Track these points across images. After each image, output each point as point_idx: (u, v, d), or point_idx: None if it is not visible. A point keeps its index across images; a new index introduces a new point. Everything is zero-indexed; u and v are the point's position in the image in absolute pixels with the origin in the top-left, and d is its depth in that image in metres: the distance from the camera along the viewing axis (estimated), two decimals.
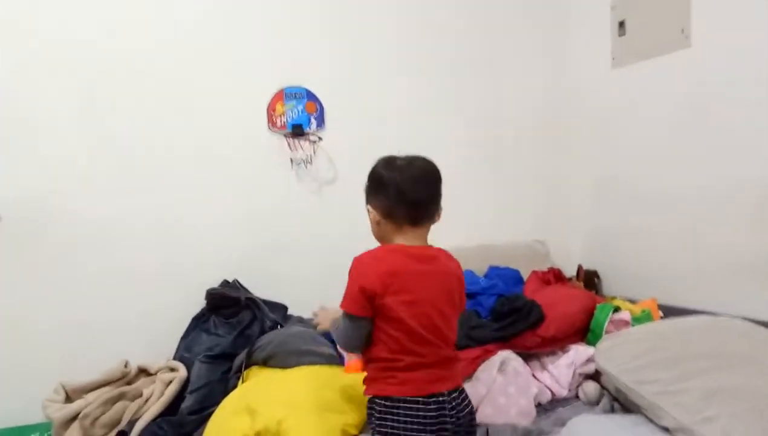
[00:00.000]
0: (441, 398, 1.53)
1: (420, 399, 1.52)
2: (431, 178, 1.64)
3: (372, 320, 1.55)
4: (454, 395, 1.57)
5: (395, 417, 1.52)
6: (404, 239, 1.61)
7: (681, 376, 1.87)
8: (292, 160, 2.87)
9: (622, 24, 3.13)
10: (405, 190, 1.58)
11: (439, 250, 1.68)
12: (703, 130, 2.71)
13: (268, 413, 1.78)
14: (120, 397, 2.18)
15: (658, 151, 2.96)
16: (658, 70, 2.92)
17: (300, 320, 2.67)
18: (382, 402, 1.54)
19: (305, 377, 2.03)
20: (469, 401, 1.64)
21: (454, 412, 1.55)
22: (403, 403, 1.51)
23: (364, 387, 1.62)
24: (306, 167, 2.89)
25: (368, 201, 1.67)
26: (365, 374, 1.63)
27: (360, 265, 1.57)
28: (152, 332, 2.57)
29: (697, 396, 1.79)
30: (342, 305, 1.58)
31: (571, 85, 3.47)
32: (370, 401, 1.59)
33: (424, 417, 1.51)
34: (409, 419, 1.51)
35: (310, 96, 2.91)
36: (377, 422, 1.54)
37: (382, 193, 1.62)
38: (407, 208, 1.59)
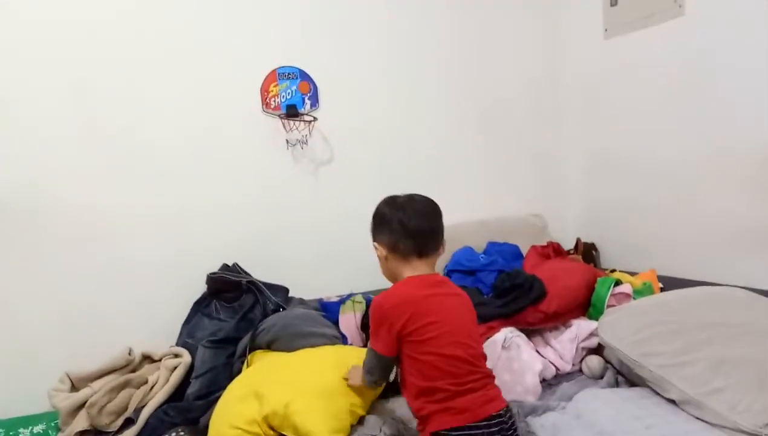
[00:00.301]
0: (501, 419, 1.54)
1: (482, 423, 1.51)
2: (431, 210, 1.71)
3: (392, 359, 1.63)
4: (509, 414, 1.58)
5: None
6: (412, 271, 1.67)
7: (686, 348, 1.89)
8: (287, 142, 2.84)
9: None
10: (407, 223, 1.65)
11: (445, 278, 1.80)
12: (699, 99, 2.71)
13: (275, 396, 1.78)
14: (125, 384, 2.18)
15: (652, 121, 2.95)
16: (651, 40, 2.90)
17: (301, 302, 2.67)
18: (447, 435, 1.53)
19: (311, 360, 2.03)
20: (515, 417, 1.65)
21: (511, 432, 1.56)
22: (467, 431, 1.51)
23: (417, 426, 1.61)
24: (302, 148, 2.87)
25: (374, 239, 1.74)
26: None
27: (381, 308, 1.62)
28: (153, 319, 2.56)
29: (702, 367, 1.81)
30: (372, 345, 1.66)
31: (564, 57, 3.44)
32: None
33: None
34: None
35: (303, 75, 2.87)
36: None
37: (386, 228, 1.69)
38: (412, 239, 1.65)
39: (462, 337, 1.59)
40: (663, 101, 2.89)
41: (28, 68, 2.36)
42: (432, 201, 1.74)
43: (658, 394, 1.89)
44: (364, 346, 2.38)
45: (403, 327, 1.56)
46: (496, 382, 1.97)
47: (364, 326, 2.46)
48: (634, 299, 2.42)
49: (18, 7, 2.34)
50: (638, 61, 2.98)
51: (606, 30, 3.14)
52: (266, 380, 1.88)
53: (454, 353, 1.55)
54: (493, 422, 1.52)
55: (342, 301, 2.62)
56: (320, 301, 2.72)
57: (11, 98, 2.34)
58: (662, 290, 2.62)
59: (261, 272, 2.69)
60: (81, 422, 2.07)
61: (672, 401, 1.83)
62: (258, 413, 1.78)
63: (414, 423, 1.77)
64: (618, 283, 2.50)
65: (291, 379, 1.87)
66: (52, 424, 2.22)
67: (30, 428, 2.21)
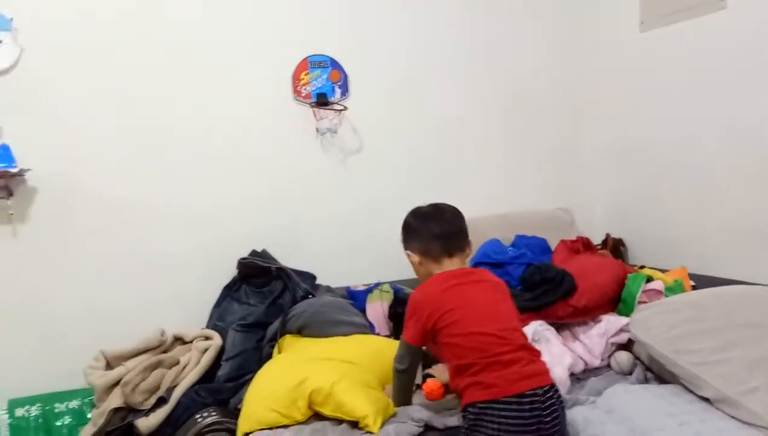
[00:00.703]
0: (535, 398, 1.54)
1: (512, 399, 1.53)
2: (453, 214, 1.87)
3: (419, 350, 1.80)
4: (549, 394, 1.58)
5: (487, 423, 1.54)
6: (442, 269, 1.81)
7: (721, 346, 1.87)
8: (317, 130, 2.85)
9: None
10: (434, 228, 1.82)
11: (483, 270, 1.95)
12: (737, 95, 2.66)
13: (321, 376, 1.82)
14: (158, 364, 2.22)
15: (686, 115, 2.90)
16: (689, 33, 2.85)
17: (328, 290, 2.68)
18: (472, 409, 1.58)
19: (347, 348, 2.07)
20: (562, 399, 1.66)
21: (547, 412, 1.54)
22: (495, 405, 1.54)
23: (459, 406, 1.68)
24: (332, 137, 2.87)
25: (406, 247, 1.89)
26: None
27: (417, 303, 1.75)
28: (184, 302, 2.61)
29: (738, 366, 1.79)
30: (404, 336, 1.78)
31: (598, 49, 3.40)
32: (463, 410, 1.63)
33: (518, 417, 1.52)
34: (503, 420, 1.52)
35: (334, 64, 2.88)
36: (470, 431, 1.59)
37: (415, 236, 1.86)
38: (439, 241, 1.80)
39: (487, 315, 1.67)
40: (698, 95, 2.84)
41: (65, 63, 2.41)
42: (453, 207, 1.89)
43: (690, 392, 1.87)
44: (392, 335, 2.40)
45: (428, 320, 1.69)
46: None
47: (392, 315, 2.47)
48: (666, 296, 2.40)
49: (59, 3, 2.38)
50: (674, 54, 2.94)
51: (642, 23, 3.09)
52: (309, 366, 1.91)
53: (479, 330, 1.63)
54: (524, 399, 1.53)
55: (369, 290, 2.63)
56: (347, 289, 2.73)
57: (47, 91, 2.39)
58: (694, 288, 2.58)
59: (288, 259, 2.72)
60: (115, 399, 2.11)
61: (705, 399, 1.81)
62: (300, 393, 1.81)
63: (442, 414, 1.85)
64: (649, 279, 2.48)
65: (332, 364, 1.90)
66: (87, 400, 2.28)
67: (65, 403, 2.27)
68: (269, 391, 1.86)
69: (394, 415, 1.84)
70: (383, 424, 1.76)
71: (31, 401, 2.25)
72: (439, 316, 1.67)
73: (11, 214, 2.31)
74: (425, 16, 3.06)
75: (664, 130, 3.05)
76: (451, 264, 1.80)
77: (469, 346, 1.62)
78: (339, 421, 1.80)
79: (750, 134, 2.61)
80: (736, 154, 2.68)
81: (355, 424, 1.77)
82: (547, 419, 1.54)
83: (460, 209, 1.90)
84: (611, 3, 3.28)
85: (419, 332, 1.72)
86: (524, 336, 1.73)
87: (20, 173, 2.27)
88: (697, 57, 2.82)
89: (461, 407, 1.64)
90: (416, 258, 1.84)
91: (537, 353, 1.68)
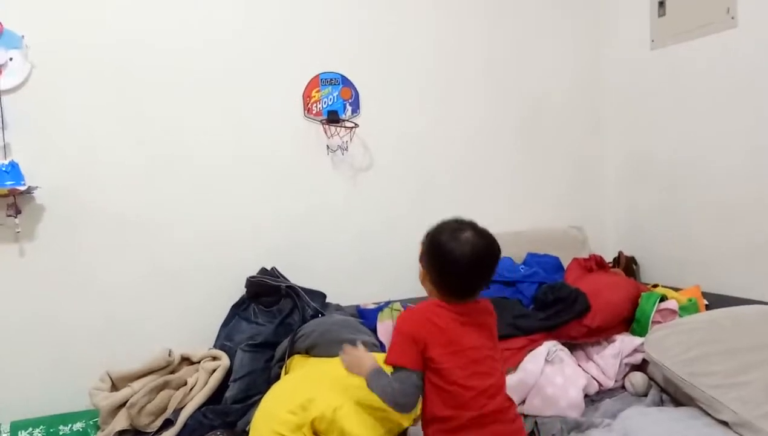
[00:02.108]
0: None
1: None
2: (491, 258, 1.58)
3: (423, 375, 1.52)
4: None
5: None
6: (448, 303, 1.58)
7: (739, 368, 1.83)
8: (328, 147, 2.84)
9: (662, 4, 3.04)
10: (462, 268, 1.53)
11: (485, 302, 1.67)
12: (749, 112, 2.63)
13: (324, 401, 1.78)
14: (165, 385, 2.19)
15: (698, 133, 2.88)
16: (700, 51, 2.83)
17: (338, 308, 2.65)
18: None
19: None
20: None
21: None
22: None
23: None
24: (342, 154, 2.86)
25: (421, 260, 1.62)
26: None
27: (408, 320, 1.57)
28: (191, 321, 2.57)
29: (757, 389, 1.75)
30: (391, 360, 1.53)
31: (609, 67, 3.39)
32: None
33: None
34: None
35: (345, 81, 2.87)
36: None
37: (436, 262, 1.57)
38: (458, 285, 1.56)
39: (482, 369, 1.51)
40: (709, 113, 2.82)
41: (75, 81, 2.40)
42: (493, 246, 1.58)
43: (708, 414, 1.83)
44: None
45: (424, 349, 1.49)
46: (538, 395, 1.93)
47: None
48: (680, 315, 2.37)
49: (69, 17, 2.39)
50: (685, 72, 2.92)
51: (653, 41, 3.08)
52: (313, 386, 1.87)
53: (472, 385, 1.48)
54: None
55: (380, 308, 2.60)
56: (357, 308, 2.70)
57: (57, 108, 2.38)
58: (707, 307, 2.54)
59: (298, 278, 2.69)
60: (121, 422, 2.08)
61: (723, 423, 1.77)
62: (304, 419, 1.77)
63: None
64: (663, 298, 2.44)
65: (338, 386, 1.85)
66: (91, 422, 2.24)
67: (69, 425, 2.24)
68: (274, 414, 1.82)
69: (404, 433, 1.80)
70: None
71: (34, 423, 2.21)
72: (442, 353, 1.49)
73: (18, 232, 2.30)
74: (438, 32, 3.05)
75: (676, 148, 3.02)
76: (458, 302, 1.58)
77: (460, 402, 1.47)
78: None
79: (765, 152, 2.58)
80: (750, 172, 2.65)
81: None
82: None
83: None
84: (623, 22, 3.28)
85: (417, 355, 1.50)
86: (504, 387, 1.58)
87: (28, 191, 2.26)
88: (710, 75, 2.80)
89: None
90: (425, 278, 1.62)
91: (514, 410, 1.57)
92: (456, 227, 1.57)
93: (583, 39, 3.40)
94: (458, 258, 1.52)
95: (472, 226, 1.58)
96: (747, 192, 2.67)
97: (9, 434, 2.16)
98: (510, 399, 1.57)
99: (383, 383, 1.53)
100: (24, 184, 2.23)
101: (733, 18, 2.67)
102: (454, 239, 1.54)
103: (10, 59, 2.28)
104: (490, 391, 1.50)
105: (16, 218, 2.27)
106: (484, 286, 1.59)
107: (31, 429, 2.19)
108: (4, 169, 2.21)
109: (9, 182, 2.20)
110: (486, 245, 1.56)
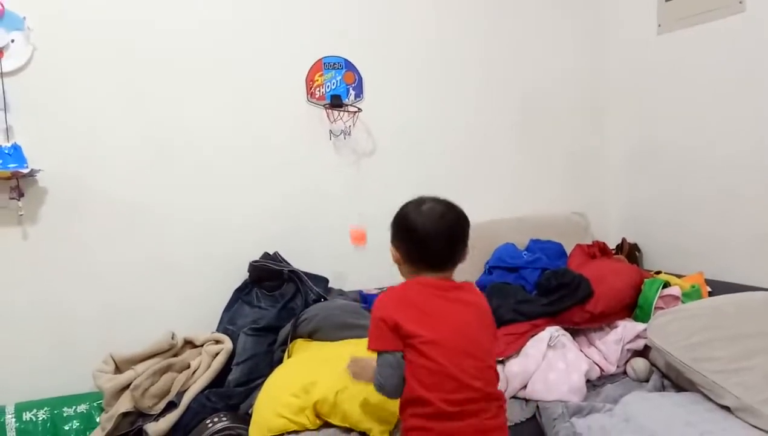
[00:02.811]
0: None
1: None
2: (455, 220, 1.58)
3: (401, 355, 1.47)
4: None
5: None
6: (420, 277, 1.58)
7: (742, 354, 1.83)
8: (331, 132, 2.82)
9: None
10: (424, 231, 1.55)
11: (465, 283, 1.64)
12: (756, 99, 2.62)
13: (326, 384, 1.79)
14: (168, 368, 2.20)
15: (704, 119, 2.86)
16: (708, 36, 2.81)
17: (341, 293, 2.66)
18: None
19: (358, 353, 2.01)
20: None
21: None
22: None
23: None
24: (345, 139, 2.85)
25: (391, 242, 1.63)
26: None
27: (379, 302, 1.54)
28: (194, 305, 2.58)
29: (759, 375, 1.76)
30: (369, 347, 1.51)
31: (614, 52, 3.36)
32: None
33: None
34: None
35: (349, 66, 2.85)
36: None
37: (403, 235, 1.59)
38: (426, 254, 1.56)
39: (464, 347, 1.47)
40: (716, 99, 2.80)
41: (78, 63, 2.39)
42: (458, 212, 1.60)
43: (709, 400, 1.84)
44: None
45: (401, 327, 1.46)
46: (540, 380, 1.92)
47: None
48: (683, 302, 2.36)
49: (70, 4, 2.37)
50: (692, 57, 2.90)
51: (659, 25, 3.06)
52: (316, 370, 1.88)
53: (450, 366, 1.43)
54: None
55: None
56: (360, 292, 2.71)
57: (60, 91, 2.37)
58: (711, 294, 2.54)
59: (301, 262, 2.69)
60: (125, 404, 2.09)
61: (725, 408, 1.77)
62: (307, 402, 1.78)
63: None
64: (666, 285, 2.44)
65: (340, 370, 1.85)
66: (95, 404, 2.25)
67: (74, 407, 2.25)
68: (277, 397, 1.83)
69: None
70: (394, 430, 1.73)
71: (38, 405, 2.22)
72: (416, 328, 1.45)
73: (21, 215, 2.30)
74: (441, 17, 3.03)
75: (680, 135, 3.01)
76: (430, 275, 1.56)
77: (437, 383, 1.42)
78: (349, 429, 1.77)
79: None
80: (754, 158, 2.64)
81: (365, 433, 1.74)
82: None
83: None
84: (629, 6, 3.25)
85: (392, 334, 1.46)
86: (497, 377, 1.54)
87: (31, 174, 2.26)
88: (716, 60, 2.78)
89: None
90: (397, 257, 1.60)
91: (503, 403, 1.53)
92: (418, 201, 1.61)
93: (588, 23, 3.38)
94: (423, 223, 1.55)
95: (434, 199, 1.61)
96: (751, 179, 2.67)
97: (13, 415, 2.17)
98: (496, 390, 1.52)
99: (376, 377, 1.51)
100: (27, 167, 2.22)
101: (741, 2, 2.65)
102: (417, 210, 1.58)
103: (12, 41, 2.26)
104: (469, 371, 1.44)
105: (19, 201, 2.27)
106: (456, 254, 1.58)
107: (35, 411, 2.20)
108: (6, 151, 2.21)
109: (12, 165, 2.20)
110: (448, 209, 1.59)
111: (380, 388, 1.49)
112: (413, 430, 1.45)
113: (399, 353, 1.47)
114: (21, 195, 2.28)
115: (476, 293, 1.65)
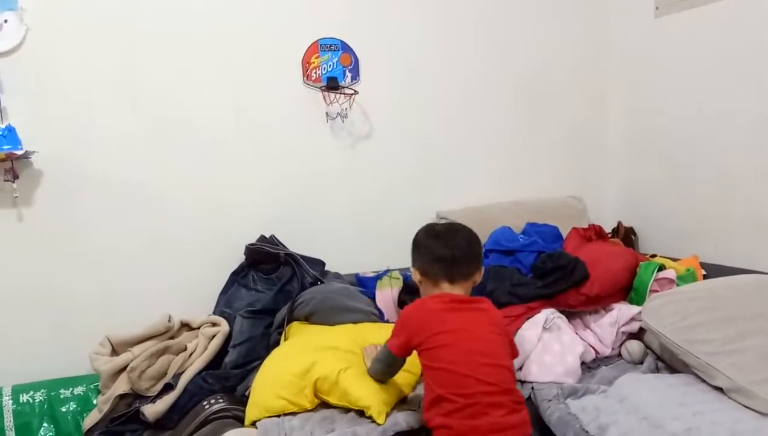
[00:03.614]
0: None
1: None
2: (466, 238, 1.80)
3: (393, 357, 1.73)
4: None
5: None
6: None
7: (735, 336, 1.84)
8: (327, 115, 2.81)
9: None
10: (438, 249, 1.76)
11: (480, 297, 1.84)
12: (755, 82, 2.61)
13: (328, 363, 1.81)
14: (165, 350, 2.21)
15: (700, 102, 2.86)
16: (707, 18, 2.79)
17: (337, 276, 2.66)
18: None
19: (357, 335, 2.05)
20: None
21: None
22: None
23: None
24: (342, 122, 2.84)
25: (412, 264, 1.85)
26: None
27: (405, 313, 1.75)
28: (190, 288, 2.58)
29: (752, 356, 1.77)
30: (387, 341, 1.74)
31: (611, 36, 3.34)
32: None
33: None
34: None
35: (345, 48, 2.83)
36: None
37: (418, 254, 1.82)
38: (441, 265, 1.75)
39: (479, 347, 1.62)
40: (714, 82, 2.79)
41: (72, 43, 2.37)
42: (469, 231, 1.84)
43: (703, 381, 1.85)
44: None
45: (414, 336, 1.65)
46: (536, 362, 1.95)
47: (401, 302, 2.44)
48: (678, 285, 2.37)
49: None
50: (691, 40, 2.88)
51: (657, 8, 3.04)
52: (315, 352, 1.89)
53: (466, 364, 1.57)
54: None
55: (378, 277, 2.60)
56: (356, 276, 2.71)
57: (53, 71, 2.35)
58: (705, 277, 2.55)
59: (297, 245, 2.68)
60: (122, 386, 2.10)
61: (718, 389, 1.79)
62: (307, 380, 1.80)
63: None
64: (661, 268, 2.45)
65: (340, 352, 1.88)
66: (92, 386, 2.27)
67: (71, 389, 2.26)
68: (276, 378, 1.84)
69: (404, 402, 1.82)
70: (391, 411, 1.74)
71: (35, 386, 2.24)
72: (428, 336, 1.62)
73: (16, 196, 2.29)
74: (439, 1, 3.01)
75: (677, 119, 3.00)
76: (450, 290, 1.74)
77: (450, 380, 1.56)
78: (347, 409, 1.78)
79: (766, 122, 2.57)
80: (751, 142, 2.64)
81: (362, 412, 1.75)
82: None
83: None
84: None
85: (403, 344, 1.68)
86: (513, 377, 1.66)
87: (26, 155, 2.24)
88: (714, 42, 2.76)
89: None
90: (417, 276, 1.81)
91: (521, 400, 1.63)
92: (431, 225, 1.91)
93: (585, 6, 3.35)
94: (433, 239, 1.80)
95: (445, 222, 1.85)
96: (747, 163, 2.67)
97: (11, 397, 2.18)
98: (511, 387, 1.62)
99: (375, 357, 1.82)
100: (21, 149, 2.21)
101: None
102: (430, 228, 1.87)
103: (5, 21, 2.24)
104: (481, 368, 1.56)
105: (13, 182, 2.26)
106: (468, 265, 1.76)
107: (32, 393, 2.21)
108: (0, 133, 2.19)
109: (6, 147, 2.18)
110: (456, 226, 1.87)
111: (368, 370, 1.81)
112: (438, 429, 1.55)
113: (400, 359, 1.73)
114: (16, 177, 2.27)
115: (490, 305, 1.79)
